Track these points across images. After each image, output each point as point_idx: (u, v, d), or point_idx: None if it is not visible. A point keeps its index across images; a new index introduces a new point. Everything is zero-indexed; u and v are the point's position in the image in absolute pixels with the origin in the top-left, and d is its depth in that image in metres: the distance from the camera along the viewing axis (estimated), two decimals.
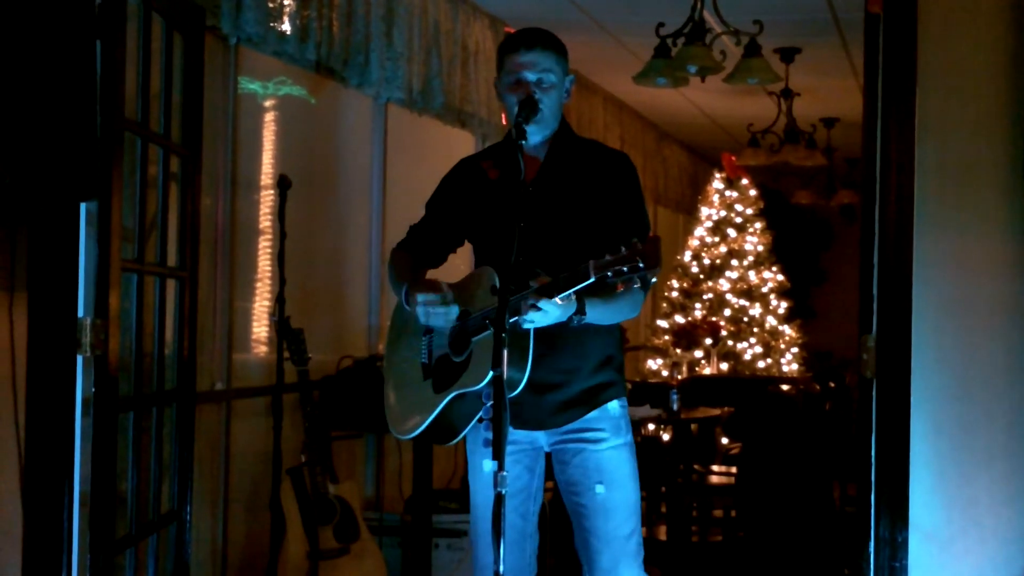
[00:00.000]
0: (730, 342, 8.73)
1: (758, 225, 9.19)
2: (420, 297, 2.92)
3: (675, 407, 5.93)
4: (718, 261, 9.07)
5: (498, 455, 2.41)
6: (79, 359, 3.22)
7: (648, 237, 2.52)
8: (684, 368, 7.89)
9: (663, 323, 8.97)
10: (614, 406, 3.05)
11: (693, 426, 6.46)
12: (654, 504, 6.68)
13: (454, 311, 2.91)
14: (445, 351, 2.98)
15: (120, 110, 3.34)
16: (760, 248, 9.12)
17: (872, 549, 3.45)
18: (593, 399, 3.03)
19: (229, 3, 4.21)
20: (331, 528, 4.62)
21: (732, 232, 9.13)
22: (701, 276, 9.07)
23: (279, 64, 4.91)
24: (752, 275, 9.02)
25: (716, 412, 6.53)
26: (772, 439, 6.07)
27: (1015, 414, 3.45)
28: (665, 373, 8.44)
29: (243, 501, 4.89)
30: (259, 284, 5.10)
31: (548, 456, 3.12)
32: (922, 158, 3.45)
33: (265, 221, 5.07)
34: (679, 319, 8.83)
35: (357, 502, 4.77)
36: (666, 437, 6.82)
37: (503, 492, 2.41)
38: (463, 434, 2.99)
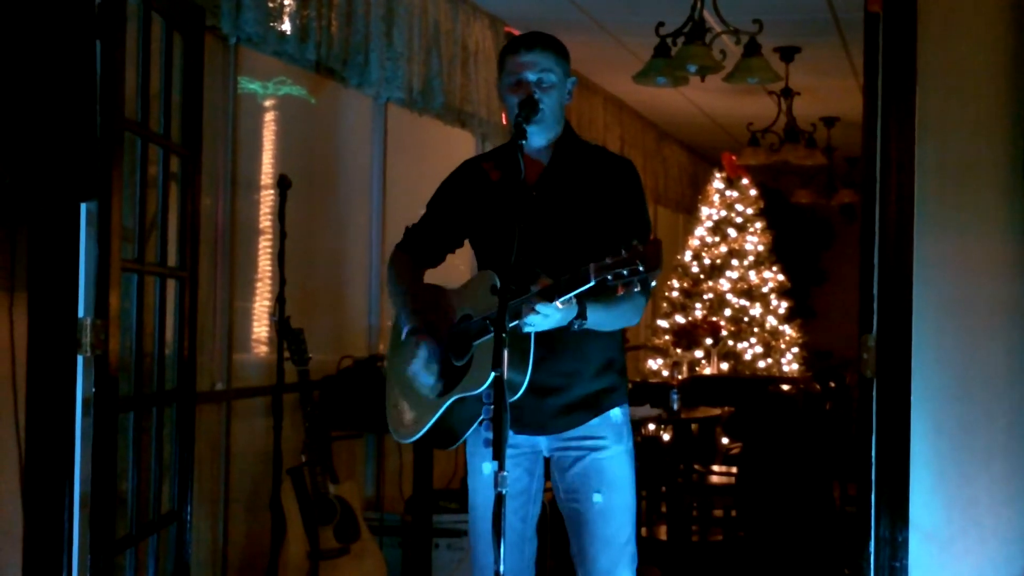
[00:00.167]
0: (730, 342, 8.73)
1: (758, 225, 9.19)
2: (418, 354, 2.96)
3: (675, 407, 5.94)
4: (718, 261, 9.07)
5: (498, 455, 2.41)
6: (79, 359, 3.22)
7: (649, 240, 2.52)
8: (684, 368, 7.89)
9: (663, 323, 8.97)
10: (616, 413, 3.05)
11: (693, 426, 6.46)
12: (654, 504, 6.68)
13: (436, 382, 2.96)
14: (447, 355, 2.99)
15: (120, 110, 3.34)
16: (760, 248, 9.11)
17: (872, 549, 3.45)
18: (595, 405, 3.02)
19: (229, 3, 4.21)
20: (331, 528, 4.62)
21: (732, 232, 9.13)
22: (701, 276, 9.07)
23: (279, 64, 4.91)
24: (752, 275, 9.02)
25: (716, 412, 6.53)
26: (772, 439, 6.07)
27: (1015, 414, 3.45)
28: (665, 373, 8.44)
29: (243, 501, 4.89)
30: (259, 284, 5.10)
31: (547, 461, 3.11)
32: (922, 158, 3.45)
33: (265, 221, 5.07)
34: (679, 319, 8.83)
35: (357, 502, 4.77)
36: (666, 437, 6.82)
37: (504, 492, 2.41)
38: (463, 439, 2.99)
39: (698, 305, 8.94)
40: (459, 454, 5.65)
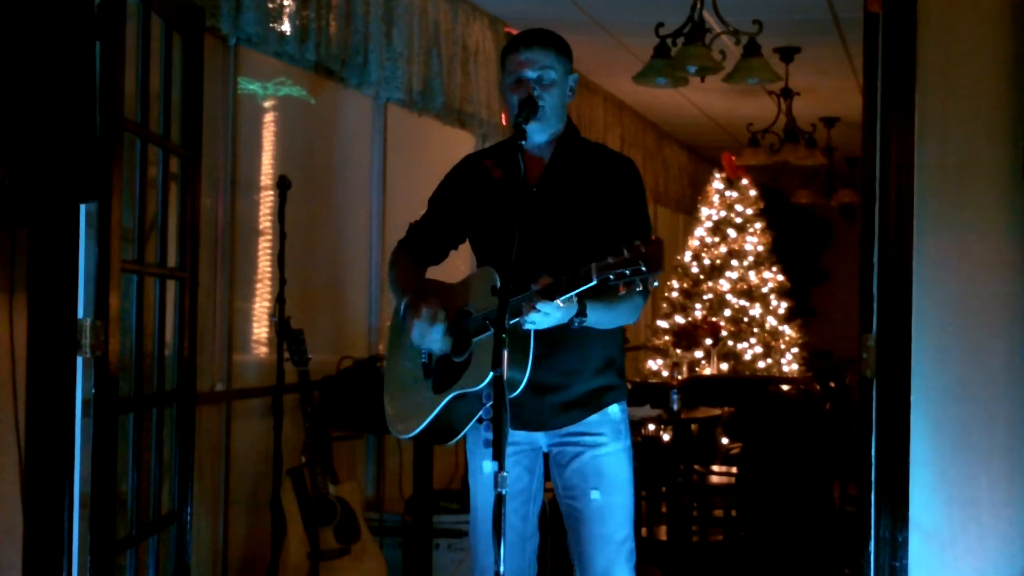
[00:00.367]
0: (730, 342, 8.73)
1: (758, 225, 9.19)
2: (416, 323, 2.92)
3: (675, 407, 5.93)
4: (718, 261, 9.07)
5: (499, 455, 2.41)
6: (79, 360, 3.22)
7: (651, 240, 2.52)
8: (684, 368, 7.89)
9: (663, 323, 8.97)
10: (615, 410, 3.05)
11: (693, 426, 6.46)
12: (654, 504, 6.68)
13: (444, 337, 2.92)
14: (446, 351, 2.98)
15: (120, 111, 3.34)
16: (760, 248, 9.11)
17: (872, 549, 3.44)
18: (594, 402, 3.03)
19: (229, 3, 4.21)
20: (332, 529, 4.62)
21: (732, 232, 9.13)
22: (701, 276, 9.07)
23: (279, 64, 4.91)
24: (752, 275, 9.02)
25: (716, 412, 6.53)
26: (772, 439, 6.06)
27: (1015, 414, 3.45)
28: (665, 373, 8.44)
29: (244, 502, 4.89)
30: (259, 285, 5.10)
31: (546, 457, 3.12)
32: (922, 158, 3.45)
33: (265, 221, 5.07)
34: (679, 319, 8.83)
35: (358, 502, 4.77)
36: (666, 437, 6.82)
37: (504, 492, 2.41)
38: (462, 434, 2.99)
39: (698, 305, 8.94)
40: (459, 454, 5.66)
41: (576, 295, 2.67)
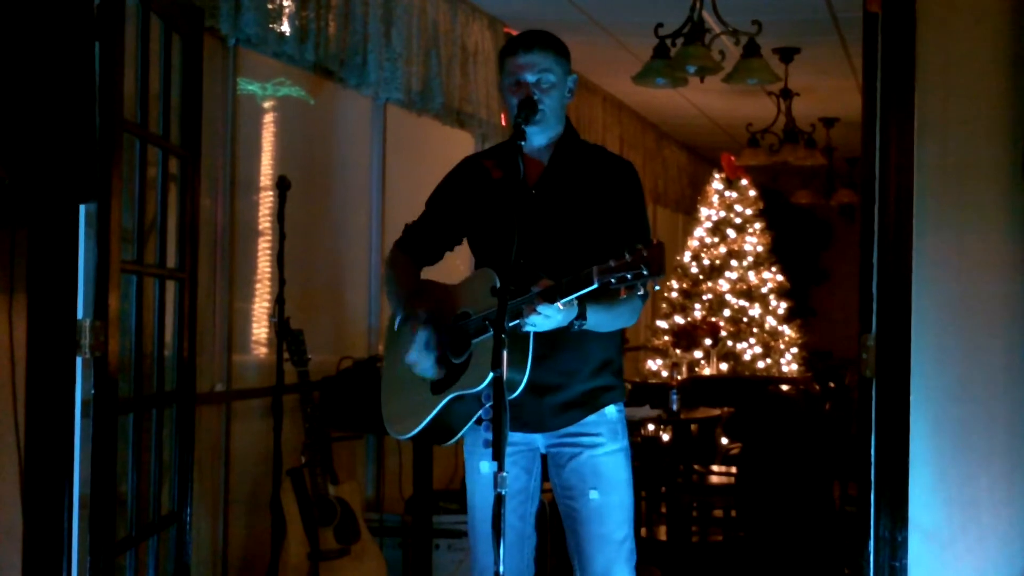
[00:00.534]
0: (730, 342, 8.73)
1: (758, 225, 9.18)
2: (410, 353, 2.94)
3: (675, 407, 5.94)
4: (718, 261, 9.07)
5: (498, 456, 2.41)
6: (79, 361, 3.22)
7: (652, 243, 2.52)
8: (684, 368, 7.89)
9: (663, 324, 8.96)
10: (612, 410, 3.05)
11: (693, 426, 6.46)
12: (654, 504, 6.68)
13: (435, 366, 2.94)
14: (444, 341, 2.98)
15: (119, 111, 3.34)
16: (760, 248, 9.11)
17: (872, 549, 3.44)
18: (592, 402, 3.03)
19: (228, 4, 4.21)
20: (332, 529, 4.62)
21: (732, 232, 9.12)
22: (701, 276, 9.07)
23: (278, 65, 4.91)
24: (752, 275, 9.02)
25: (716, 412, 6.53)
26: (772, 439, 6.06)
27: (1015, 414, 3.45)
28: (665, 373, 8.44)
29: (243, 502, 4.89)
30: (259, 285, 5.10)
31: (544, 457, 3.12)
32: (922, 158, 3.45)
33: (265, 222, 5.07)
34: (679, 320, 8.83)
35: (358, 503, 4.77)
36: (666, 437, 6.82)
37: (503, 493, 2.41)
38: (460, 434, 2.99)
39: (697, 306, 8.94)
40: (459, 455, 5.66)
41: (576, 298, 2.67)
